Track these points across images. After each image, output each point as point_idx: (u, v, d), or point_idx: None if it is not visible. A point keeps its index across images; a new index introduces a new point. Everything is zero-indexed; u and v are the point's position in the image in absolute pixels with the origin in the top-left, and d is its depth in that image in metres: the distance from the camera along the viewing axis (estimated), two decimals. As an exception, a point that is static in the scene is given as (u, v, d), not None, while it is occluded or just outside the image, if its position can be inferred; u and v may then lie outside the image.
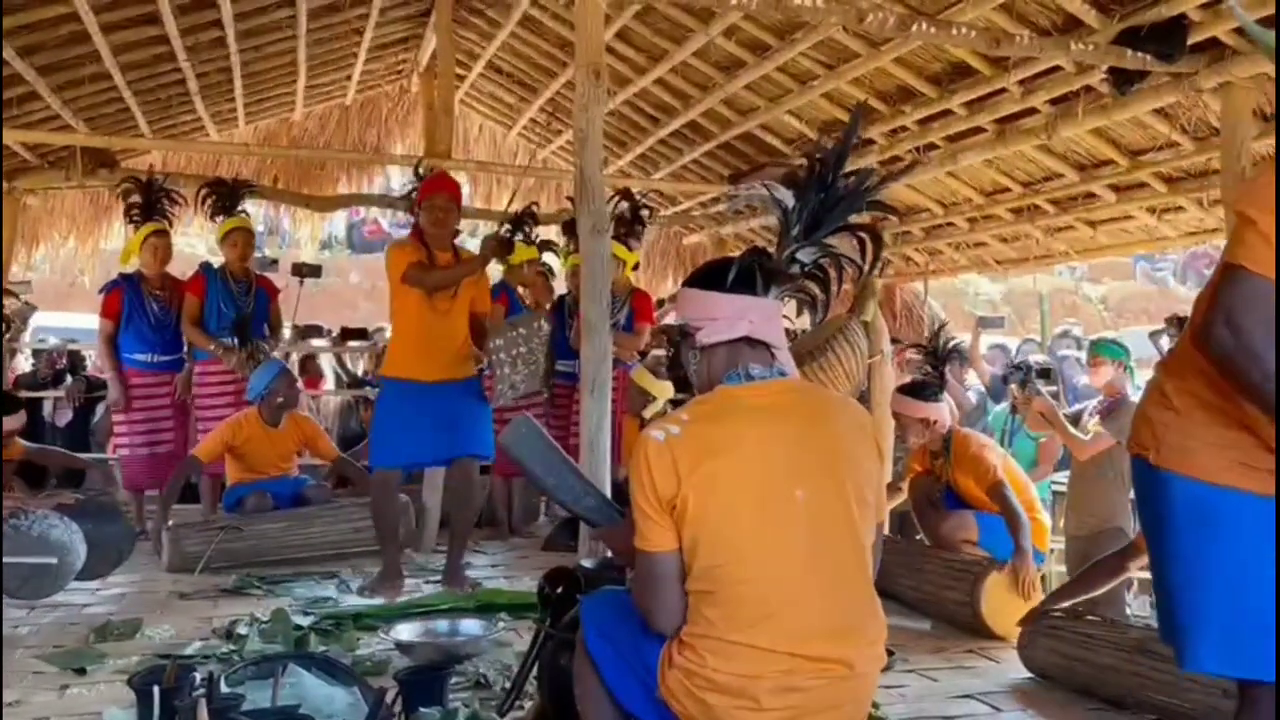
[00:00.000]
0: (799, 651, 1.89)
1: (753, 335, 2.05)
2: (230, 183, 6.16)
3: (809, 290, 2.14)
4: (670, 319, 8.29)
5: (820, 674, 1.90)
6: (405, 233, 7.51)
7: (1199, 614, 1.81)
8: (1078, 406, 5.58)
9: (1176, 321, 6.37)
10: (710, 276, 2.13)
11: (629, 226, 6.24)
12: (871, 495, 2.03)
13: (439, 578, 4.65)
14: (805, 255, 2.11)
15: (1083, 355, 7.12)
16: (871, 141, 6.66)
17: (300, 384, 8.47)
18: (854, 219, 2.18)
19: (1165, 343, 6.23)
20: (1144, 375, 6.62)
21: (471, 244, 5.67)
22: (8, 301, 6.61)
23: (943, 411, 4.49)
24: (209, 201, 6.01)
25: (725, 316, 2.05)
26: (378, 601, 4.24)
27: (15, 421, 5.15)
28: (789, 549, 1.92)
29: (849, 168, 2.18)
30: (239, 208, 6.05)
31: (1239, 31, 4.31)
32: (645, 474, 1.94)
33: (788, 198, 2.13)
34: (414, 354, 4.42)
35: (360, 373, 8.82)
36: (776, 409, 2.00)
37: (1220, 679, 2.44)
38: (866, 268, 2.16)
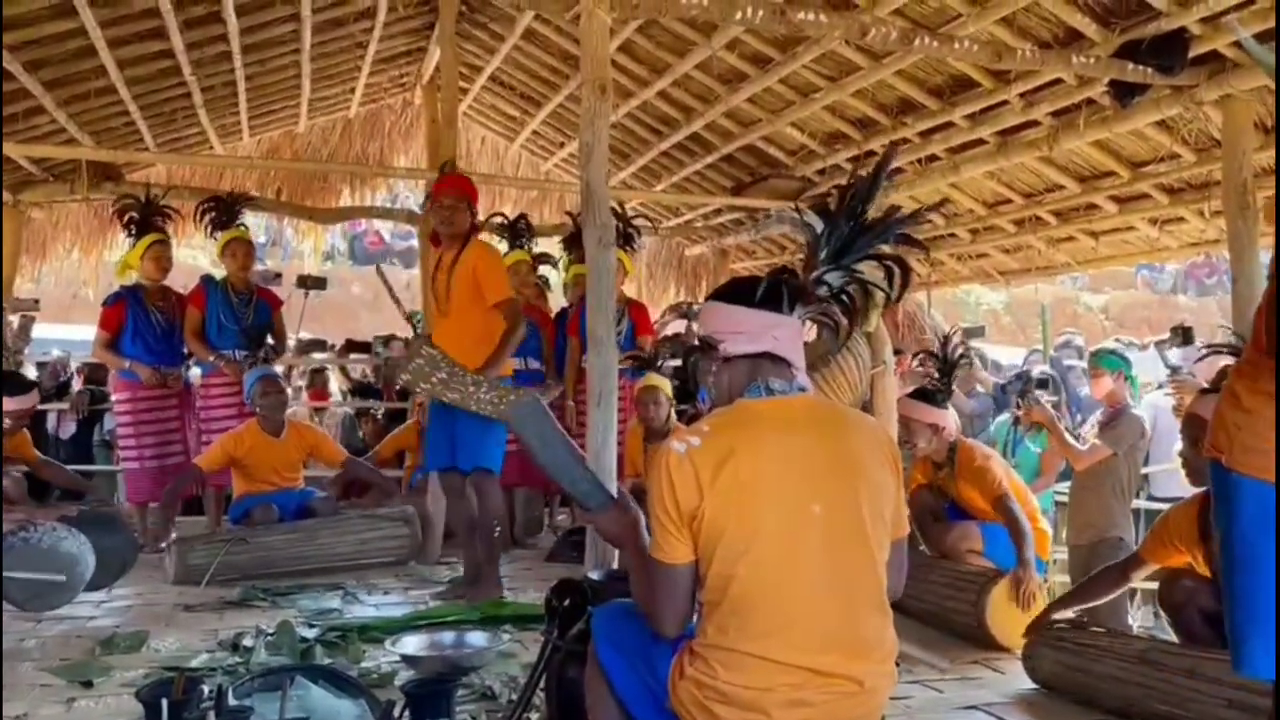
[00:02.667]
0: (811, 665, 1.90)
1: (775, 351, 2.07)
2: (226, 197, 6.19)
3: (831, 314, 2.17)
4: (672, 329, 8.32)
5: (830, 689, 1.91)
6: (407, 244, 7.54)
7: (1257, 617, 1.79)
8: (1080, 422, 5.59)
9: (1181, 331, 6.39)
10: (737, 292, 2.15)
11: (623, 240, 6.27)
12: (888, 512, 2.04)
13: (443, 589, 4.65)
14: (833, 279, 2.15)
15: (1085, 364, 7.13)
16: (873, 153, 6.69)
17: (305, 396, 8.53)
18: (882, 248, 2.22)
19: (1170, 353, 6.25)
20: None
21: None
22: (11, 317, 6.65)
23: (949, 419, 4.50)
24: (207, 218, 6.04)
25: (751, 330, 2.07)
26: (390, 613, 4.24)
27: (22, 403, 5.09)
28: (804, 561, 1.93)
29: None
30: (237, 221, 6.08)
31: (1239, 45, 4.35)
32: (667, 487, 1.95)
33: (817, 223, 2.18)
34: None
35: (362, 378, 8.85)
36: (796, 423, 2.02)
37: (1235, 688, 2.47)
38: (895, 295, 2.19)
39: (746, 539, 1.91)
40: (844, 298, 2.16)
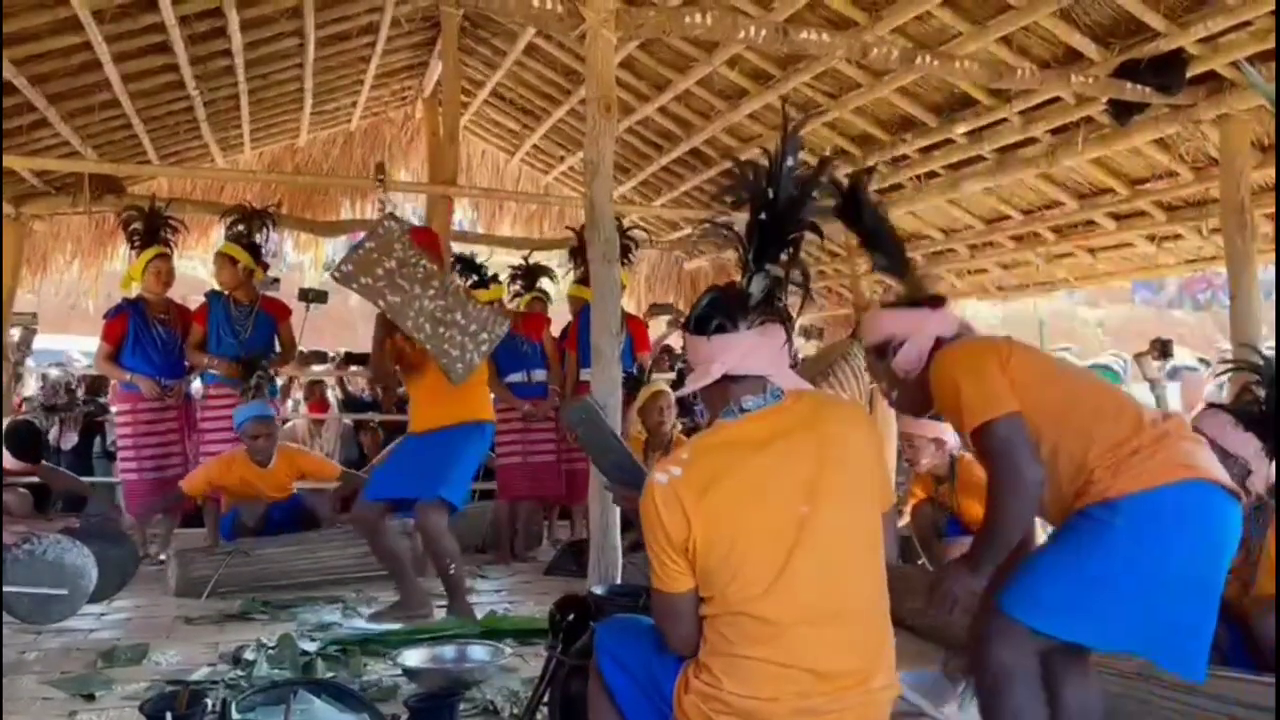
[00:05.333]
0: (812, 666, 1.92)
1: (733, 373, 2.06)
2: (253, 212, 6.18)
3: (777, 314, 2.12)
4: (670, 340, 8.36)
5: (835, 697, 1.92)
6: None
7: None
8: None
9: (1160, 344, 6.48)
10: (690, 319, 2.15)
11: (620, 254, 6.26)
12: (875, 490, 2.06)
13: (443, 603, 4.64)
14: (756, 286, 2.10)
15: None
16: (873, 169, 6.72)
17: (304, 409, 8.54)
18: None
19: (1148, 366, 6.30)
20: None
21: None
22: (13, 330, 6.66)
23: (948, 431, 4.51)
24: (236, 229, 6.05)
25: (701, 361, 2.09)
26: (386, 626, 4.23)
27: (16, 463, 5.19)
28: (798, 564, 1.94)
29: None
30: (259, 234, 6.08)
31: (1237, 65, 4.39)
32: (656, 520, 1.97)
33: (739, 223, 2.15)
34: None
35: (359, 392, 8.86)
36: (773, 432, 2.02)
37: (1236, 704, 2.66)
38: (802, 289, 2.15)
39: (740, 554, 1.94)
40: (777, 297, 2.12)
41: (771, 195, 2.12)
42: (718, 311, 2.08)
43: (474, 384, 4.34)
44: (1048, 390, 2.35)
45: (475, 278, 6.04)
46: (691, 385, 2.10)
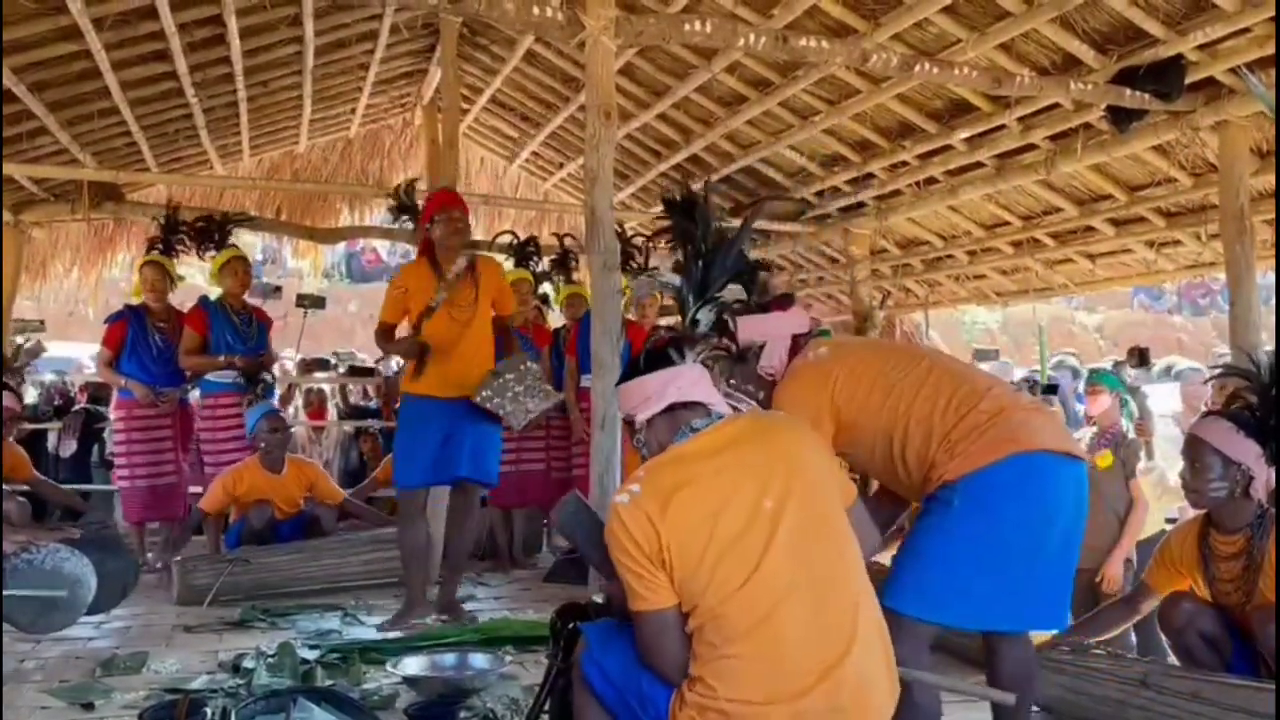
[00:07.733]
0: (795, 654, 1.93)
1: (682, 399, 2.18)
2: (219, 218, 6.13)
3: (722, 345, 2.33)
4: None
5: (829, 695, 1.92)
6: (404, 261, 7.55)
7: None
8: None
9: (1138, 353, 6.52)
10: (631, 369, 2.28)
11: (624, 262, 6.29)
12: (834, 487, 2.13)
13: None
14: (704, 316, 2.29)
15: (1081, 384, 7.18)
16: (872, 176, 6.73)
17: (304, 416, 8.53)
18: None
19: (1128, 373, 6.32)
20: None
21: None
22: (19, 338, 6.66)
23: None
24: (198, 238, 6.00)
25: (653, 392, 2.19)
26: (390, 635, 4.22)
27: (12, 399, 5.20)
28: (770, 557, 1.97)
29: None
30: (229, 241, 6.04)
31: (1236, 71, 4.40)
32: (624, 535, 2.00)
33: (673, 279, 2.29)
34: (432, 368, 4.21)
35: (361, 399, 8.85)
36: (726, 442, 2.10)
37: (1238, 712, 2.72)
38: (754, 298, 2.29)
39: (713, 557, 1.96)
40: (722, 326, 2.31)
41: (701, 235, 2.31)
42: (663, 351, 2.23)
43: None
44: (880, 396, 2.58)
45: (515, 259, 6.40)
46: (645, 412, 2.19)
